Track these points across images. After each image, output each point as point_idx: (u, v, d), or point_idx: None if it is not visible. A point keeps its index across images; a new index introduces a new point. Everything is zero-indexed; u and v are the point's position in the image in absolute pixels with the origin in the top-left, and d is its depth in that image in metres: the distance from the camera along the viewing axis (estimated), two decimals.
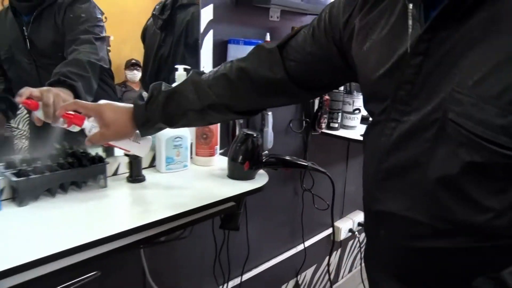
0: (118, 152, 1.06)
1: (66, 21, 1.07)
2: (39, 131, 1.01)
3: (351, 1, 0.70)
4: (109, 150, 1.07)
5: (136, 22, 1.38)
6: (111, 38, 1.20)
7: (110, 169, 1.05)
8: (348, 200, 2.22)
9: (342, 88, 1.72)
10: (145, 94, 0.86)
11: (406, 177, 0.59)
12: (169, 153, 1.11)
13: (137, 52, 1.38)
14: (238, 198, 1.03)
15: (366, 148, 0.70)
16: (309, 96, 0.93)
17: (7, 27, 1.09)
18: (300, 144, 1.80)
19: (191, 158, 1.19)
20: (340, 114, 1.73)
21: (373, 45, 0.65)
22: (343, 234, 2.16)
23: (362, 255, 2.14)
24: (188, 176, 1.13)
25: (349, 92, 1.72)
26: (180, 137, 1.12)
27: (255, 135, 1.11)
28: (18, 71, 1.11)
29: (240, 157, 1.08)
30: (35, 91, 0.84)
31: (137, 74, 1.35)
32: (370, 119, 0.69)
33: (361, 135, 1.51)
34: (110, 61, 1.19)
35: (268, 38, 1.43)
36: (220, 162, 1.21)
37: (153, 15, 1.36)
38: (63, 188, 0.94)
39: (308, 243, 1.99)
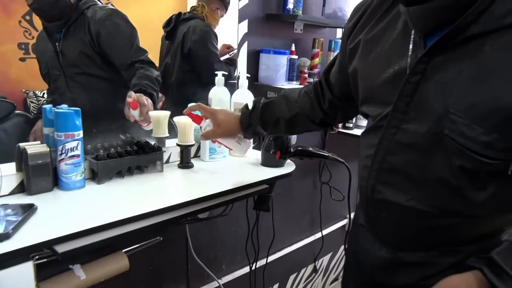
0: (168, 143, 1.26)
1: (104, 35, 1.23)
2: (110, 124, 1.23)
3: (351, 26, 0.83)
4: (162, 142, 1.27)
5: (158, 32, 1.55)
6: None
7: (164, 157, 1.24)
8: None
9: None
10: (250, 104, 1.05)
11: (406, 176, 0.70)
12: (212, 145, 1.32)
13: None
14: (271, 182, 1.23)
15: (366, 147, 0.78)
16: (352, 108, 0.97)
17: (44, 46, 1.26)
18: (319, 141, 1.98)
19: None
20: None
21: (377, 56, 0.74)
22: None
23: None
24: (227, 164, 1.33)
25: None
26: None
27: None
28: (54, 83, 1.29)
29: (273, 148, 1.28)
30: (131, 93, 1.09)
31: None
32: (366, 121, 0.82)
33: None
34: None
35: (293, 48, 1.63)
36: (253, 154, 1.41)
37: (163, 27, 1.54)
38: (130, 171, 1.14)
39: (325, 231, 2.16)
